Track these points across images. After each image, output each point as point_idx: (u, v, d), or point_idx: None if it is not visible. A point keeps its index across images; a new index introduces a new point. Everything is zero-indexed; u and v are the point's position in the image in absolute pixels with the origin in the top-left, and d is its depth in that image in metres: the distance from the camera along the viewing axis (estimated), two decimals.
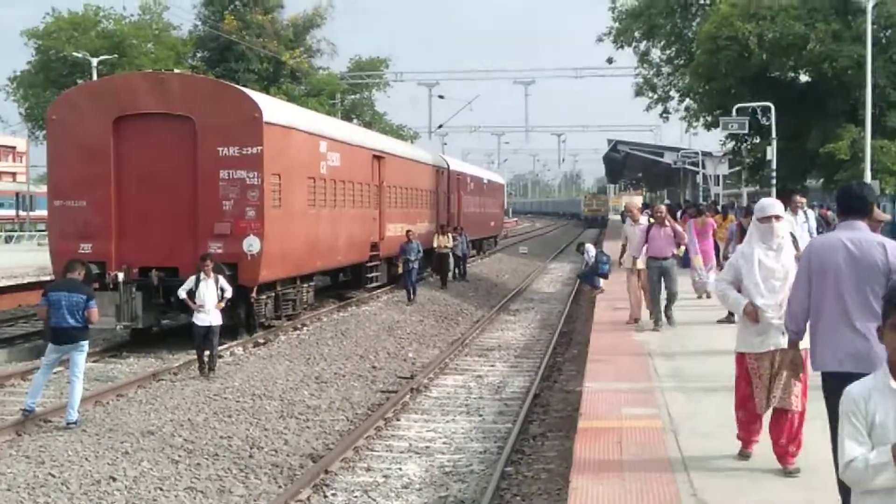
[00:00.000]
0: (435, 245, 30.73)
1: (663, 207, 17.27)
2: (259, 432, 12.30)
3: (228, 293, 15.68)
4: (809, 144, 35.65)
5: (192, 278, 15.48)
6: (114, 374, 15.89)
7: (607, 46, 48.09)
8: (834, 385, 5.82)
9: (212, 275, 15.47)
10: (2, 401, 14.27)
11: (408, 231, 27.58)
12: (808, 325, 6.41)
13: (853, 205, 6.38)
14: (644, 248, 16.44)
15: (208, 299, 15.29)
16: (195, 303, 15.31)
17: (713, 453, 7.89)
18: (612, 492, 7.37)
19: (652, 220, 16.66)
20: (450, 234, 31.36)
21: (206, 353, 15.48)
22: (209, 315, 15.31)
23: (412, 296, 26.46)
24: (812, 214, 18.39)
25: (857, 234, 6.24)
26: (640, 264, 16.82)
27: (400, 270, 27.40)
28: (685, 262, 19.23)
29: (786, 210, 8.35)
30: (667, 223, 16.11)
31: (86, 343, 12.43)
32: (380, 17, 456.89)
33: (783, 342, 7.31)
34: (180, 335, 18.50)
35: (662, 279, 15.97)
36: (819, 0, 34.43)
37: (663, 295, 16.20)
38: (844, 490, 5.43)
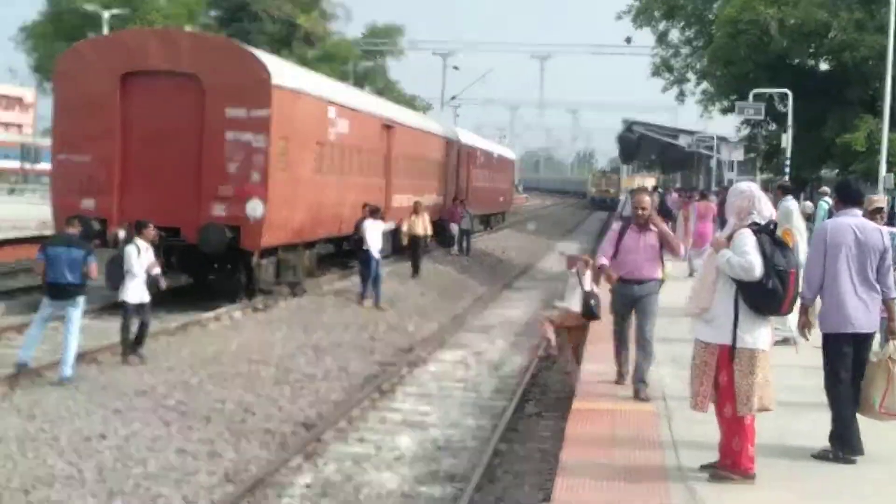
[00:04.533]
0: (405, 228, 25.11)
1: (646, 199, 10.46)
2: (253, 398, 12.22)
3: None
4: (826, 134, 35.35)
5: (136, 248, 13.40)
6: (110, 333, 15.76)
7: (626, 25, 47.62)
8: (837, 346, 7.53)
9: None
10: None
11: (365, 205, 21.46)
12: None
13: (852, 196, 8.00)
14: (600, 264, 10.35)
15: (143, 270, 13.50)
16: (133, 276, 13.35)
17: (706, 439, 7.75)
18: (601, 472, 7.35)
19: (643, 214, 10.16)
20: (425, 217, 25.78)
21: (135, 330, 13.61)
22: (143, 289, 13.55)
23: (367, 294, 20.50)
24: (825, 206, 18.19)
25: (859, 220, 7.82)
26: (590, 286, 12.25)
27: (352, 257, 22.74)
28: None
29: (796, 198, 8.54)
30: (652, 225, 10.11)
31: (82, 299, 12.30)
32: None
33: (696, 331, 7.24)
34: (179, 296, 18.38)
35: (634, 316, 10.13)
36: None
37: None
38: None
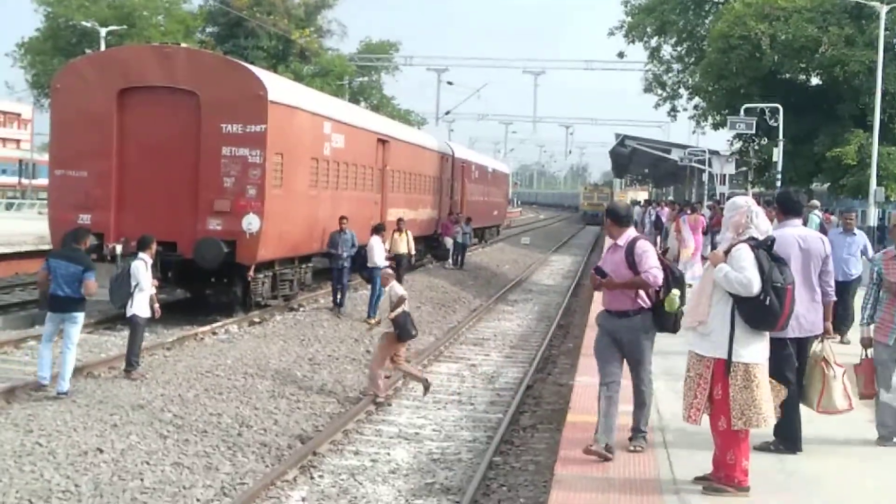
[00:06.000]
0: (387, 247, 23.11)
1: (619, 207, 8.72)
2: (249, 411, 12.27)
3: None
4: (817, 148, 35.58)
5: (144, 263, 13.36)
6: (107, 346, 15.85)
7: (618, 40, 47.96)
8: (780, 349, 7.67)
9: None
10: None
11: (341, 218, 20.83)
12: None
13: (793, 207, 8.40)
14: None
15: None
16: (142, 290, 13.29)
17: (700, 451, 7.85)
18: (595, 485, 7.41)
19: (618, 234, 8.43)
20: (408, 234, 24.92)
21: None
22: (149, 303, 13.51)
23: (339, 302, 20.67)
24: (816, 220, 18.35)
25: (801, 230, 8.35)
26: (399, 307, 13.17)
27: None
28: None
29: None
30: (619, 240, 8.30)
31: (79, 315, 12.32)
32: (391, 1, 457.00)
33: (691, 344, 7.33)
34: (175, 311, 18.46)
35: (622, 352, 8.30)
36: (833, 3, 34.25)
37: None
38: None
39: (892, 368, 8.35)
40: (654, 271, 8.02)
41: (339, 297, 20.70)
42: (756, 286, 6.85)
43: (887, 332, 8.39)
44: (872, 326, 8.54)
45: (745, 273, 6.87)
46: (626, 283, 8.11)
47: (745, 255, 6.97)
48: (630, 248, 8.15)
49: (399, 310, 13.45)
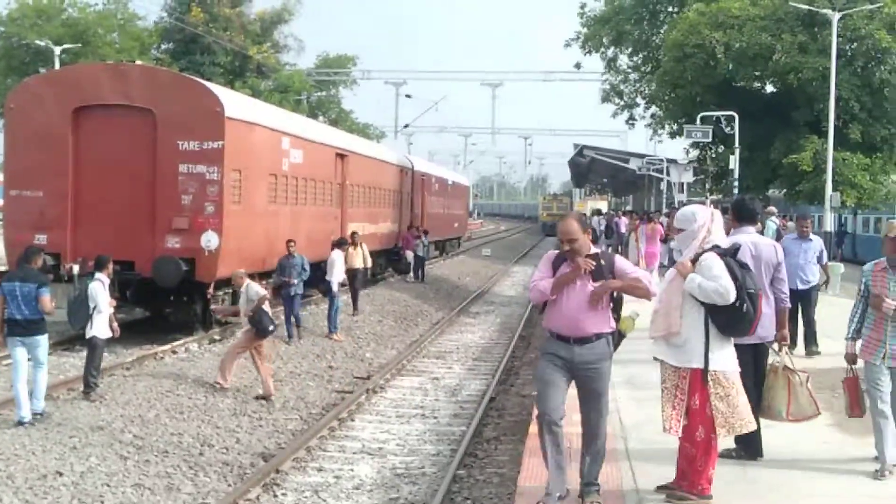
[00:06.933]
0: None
1: (574, 226, 7.14)
2: (211, 430, 12.18)
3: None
4: (773, 154, 35.95)
5: (101, 284, 13.16)
6: (65, 368, 15.64)
7: (575, 52, 48.22)
8: (744, 356, 7.46)
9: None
10: None
11: (289, 242, 19.25)
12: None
13: (747, 214, 8.47)
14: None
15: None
16: (100, 312, 13.08)
17: (661, 460, 7.88)
18: None
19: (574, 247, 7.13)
20: (363, 248, 23.66)
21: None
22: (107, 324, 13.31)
23: (293, 333, 18.76)
24: (772, 226, 18.55)
25: (754, 237, 8.37)
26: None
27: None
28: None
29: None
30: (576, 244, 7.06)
31: (41, 338, 11.87)
32: (346, 15, 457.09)
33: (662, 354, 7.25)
34: (134, 330, 18.29)
35: (570, 383, 7.19)
36: (786, 12, 34.70)
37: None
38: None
39: (884, 388, 7.88)
40: (648, 277, 7.24)
41: (292, 328, 18.81)
42: (733, 294, 6.84)
43: (874, 350, 7.93)
44: (859, 342, 8.07)
45: (721, 281, 6.84)
46: (627, 286, 7.07)
47: (715, 263, 6.93)
48: (609, 260, 7.21)
49: (258, 305, 14.34)
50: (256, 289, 14.68)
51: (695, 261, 7.05)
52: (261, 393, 14.19)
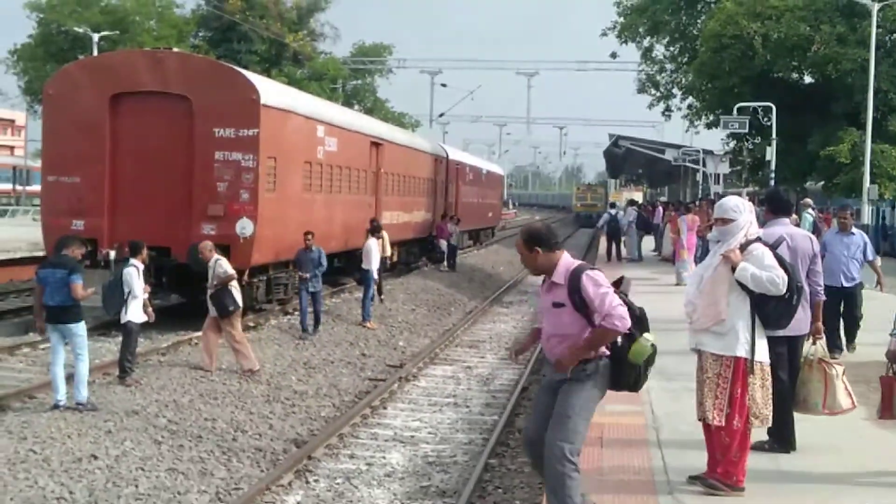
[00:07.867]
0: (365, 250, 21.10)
1: (519, 244, 6.46)
2: (244, 416, 12.27)
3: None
4: (810, 146, 35.62)
5: (136, 269, 13.34)
6: (101, 353, 15.80)
7: (611, 41, 47.91)
8: (772, 349, 7.22)
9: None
10: None
11: (306, 234, 18.40)
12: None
13: (782, 206, 8.50)
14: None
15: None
16: (135, 297, 13.28)
17: (693, 450, 7.84)
18: (589, 485, 7.33)
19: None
20: (385, 237, 23.14)
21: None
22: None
23: (308, 327, 18.25)
24: (809, 218, 18.38)
25: (790, 228, 8.35)
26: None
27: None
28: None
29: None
30: (554, 275, 6.29)
31: (77, 326, 11.84)
32: (381, 4, 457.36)
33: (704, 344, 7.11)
34: (170, 315, 18.43)
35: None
36: (825, 2, 34.30)
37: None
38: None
39: None
40: (618, 311, 6.03)
41: (306, 323, 18.25)
42: (784, 285, 6.83)
43: None
44: None
45: (776, 272, 6.83)
46: (586, 347, 6.13)
47: (767, 253, 6.94)
48: (574, 283, 6.12)
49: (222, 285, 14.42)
50: (226, 267, 14.61)
51: (741, 251, 7.02)
52: (245, 366, 14.24)
